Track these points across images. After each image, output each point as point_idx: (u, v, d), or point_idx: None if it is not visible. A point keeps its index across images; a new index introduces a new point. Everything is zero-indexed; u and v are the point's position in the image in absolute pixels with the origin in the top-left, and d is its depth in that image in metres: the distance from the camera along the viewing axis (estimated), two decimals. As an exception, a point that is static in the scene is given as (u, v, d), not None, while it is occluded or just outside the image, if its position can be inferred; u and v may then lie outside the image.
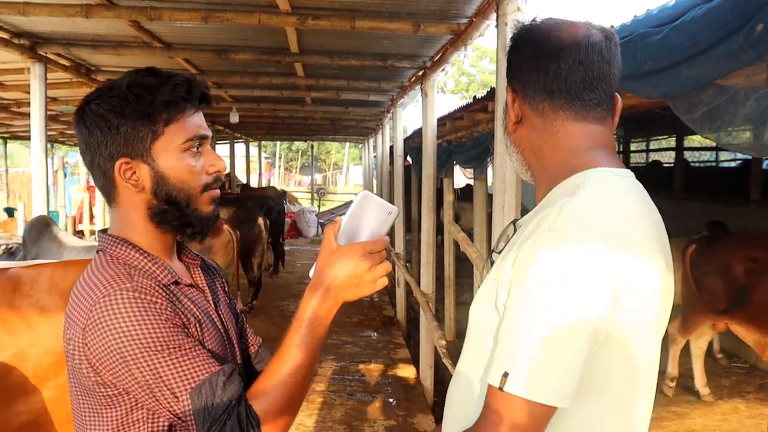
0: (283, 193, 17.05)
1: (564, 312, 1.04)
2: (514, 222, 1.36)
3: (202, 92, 1.32)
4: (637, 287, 1.10)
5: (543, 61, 1.25)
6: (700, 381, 5.69)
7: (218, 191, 1.36)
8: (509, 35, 3.39)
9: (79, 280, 1.28)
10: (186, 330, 1.23)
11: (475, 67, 36.40)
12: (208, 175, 1.33)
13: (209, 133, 1.34)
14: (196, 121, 1.31)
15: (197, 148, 1.31)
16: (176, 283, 1.31)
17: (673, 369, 5.76)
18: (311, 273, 1.25)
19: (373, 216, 1.23)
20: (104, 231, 1.36)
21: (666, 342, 5.13)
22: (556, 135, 1.27)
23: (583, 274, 1.05)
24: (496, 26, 3.41)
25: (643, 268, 1.12)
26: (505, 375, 1.05)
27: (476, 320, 1.24)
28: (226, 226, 7.27)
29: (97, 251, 1.33)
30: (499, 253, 1.31)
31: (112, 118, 1.25)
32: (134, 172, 1.28)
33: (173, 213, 1.31)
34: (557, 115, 1.27)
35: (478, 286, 1.43)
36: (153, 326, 1.17)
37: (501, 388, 1.05)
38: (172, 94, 1.26)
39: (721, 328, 5.54)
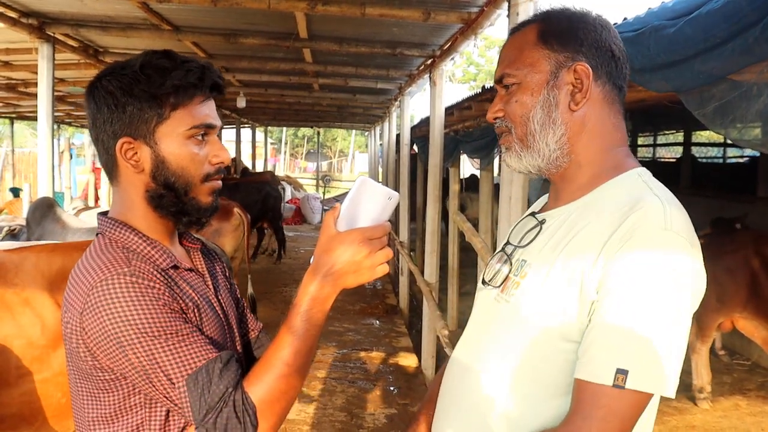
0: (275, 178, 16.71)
1: (680, 309, 1.09)
2: (533, 215, 1.35)
3: (214, 81, 1.30)
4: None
5: (614, 49, 1.26)
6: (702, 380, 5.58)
7: (220, 182, 1.34)
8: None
9: (78, 264, 1.27)
10: (184, 315, 1.22)
11: (484, 57, 36.25)
12: (211, 165, 1.31)
13: (217, 123, 1.32)
14: (205, 110, 1.29)
15: (202, 136, 1.29)
16: (175, 267, 1.30)
17: (698, 380, 5.43)
18: (312, 260, 1.23)
19: (373, 202, 1.21)
20: (104, 213, 1.34)
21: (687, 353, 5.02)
22: (615, 128, 1.29)
23: (691, 275, 1.11)
24: (508, 16, 3.37)
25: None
26: (623, 372, 1.06)
27: (535, 324, 1.20)
28: (236, 210, 6.97)
29: (97, 234, 1.33)
30: (523, 247, 1.31)
31: (120, 96, 1.25)
32: (135, 153, 1.27)
33: (170, 199, 1.29)
34: (618, 107, 1.29)
35: (483, 278, 1.39)
36: (150, 311, 1.16)
37: (620, 386, 1.06)
38: (183, 79, 1.25)
39: (727, 328, 5.38)
